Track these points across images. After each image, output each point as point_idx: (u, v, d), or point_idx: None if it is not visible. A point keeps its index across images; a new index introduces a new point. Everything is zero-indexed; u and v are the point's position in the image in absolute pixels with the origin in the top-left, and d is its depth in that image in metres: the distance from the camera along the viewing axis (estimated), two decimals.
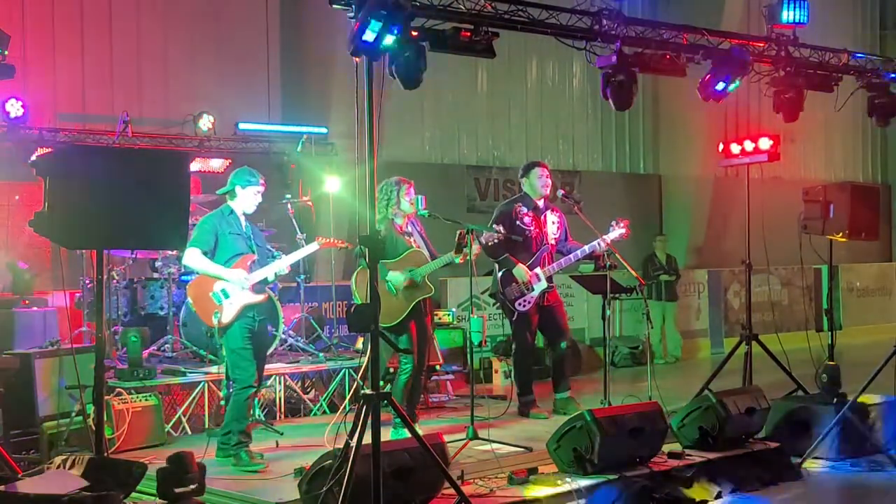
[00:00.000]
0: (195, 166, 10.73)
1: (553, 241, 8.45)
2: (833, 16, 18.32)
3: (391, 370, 8.07)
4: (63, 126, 10.69)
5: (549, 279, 8.34)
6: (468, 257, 7.12)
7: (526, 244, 8.30)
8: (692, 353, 14.23)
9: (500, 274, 8.33)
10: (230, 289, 6.74)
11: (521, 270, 8.20)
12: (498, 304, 8.68)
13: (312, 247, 7.37)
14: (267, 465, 6.63)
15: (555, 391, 8.54)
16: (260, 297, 6.88)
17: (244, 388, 6.72)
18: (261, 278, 6.87)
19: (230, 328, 6.74)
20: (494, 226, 7.60)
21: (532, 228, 8.35)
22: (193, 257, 6.75)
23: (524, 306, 8.28)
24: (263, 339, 7.20)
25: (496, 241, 7.62)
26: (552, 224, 8.48)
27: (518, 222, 8.31)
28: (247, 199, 6.88)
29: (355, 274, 7.41)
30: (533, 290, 8.25)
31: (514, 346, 8.54)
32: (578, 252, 8.32)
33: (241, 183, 6.87)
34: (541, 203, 8.46)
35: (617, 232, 8.21)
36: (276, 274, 6.99)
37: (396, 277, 7.33)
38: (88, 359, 6.34)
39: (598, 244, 8.17)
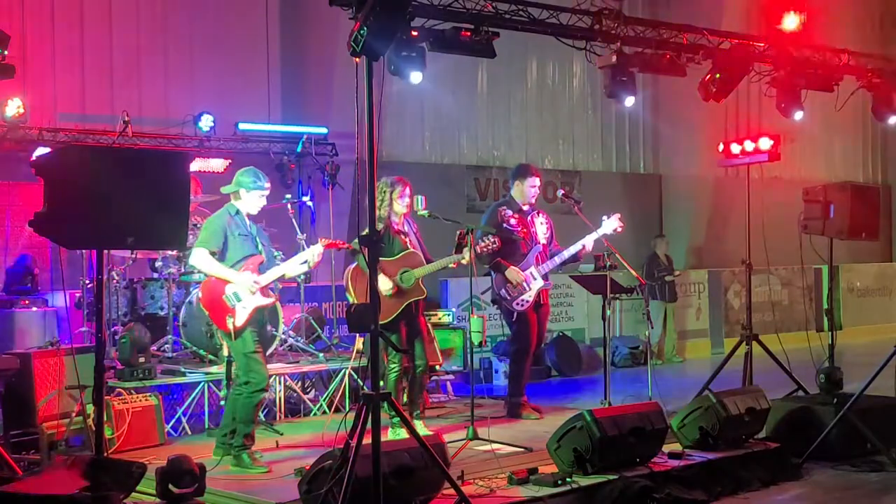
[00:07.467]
0: (195, 166, 10.72)
1: (544, 241, 8.41)
2: (833, 16, 18.34)
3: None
4: (63, 126, 10.69)
5: (545, 277, 8.32)
6: (471, 257, 7.11)
7: (515, 246, 8.25)
8: (692, 353, 14.23)
9: (493, 277, 8.32)
10: (241, 291, 6.65)
11: (513, 272, 8.17)
12: (498, 308, 8.64)
13: (316, 248, 7.29)
14: (268, 467, 6.62)
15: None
16: (271, 300, 6.85)
17: (257, 390, 6.62)
18: (270, 280, 6.80)
19: (243, 332, 6.62)
20: (489, 236, 7.51)
21: (520, 229, 8.31)
22: (202, 258, 6.64)
23: (522, 306, 8.26)
24: (266, 340, 7.18)
25: (492, 250, 7.56)
26: (541, 225, 8.44)
27: (505, 225, 8.27)
28: (251, 201, 6.80)
29: (350, 271, 7.38)
30: (530, 289, 8.24)
31: (514, 348, 8.54)
32: (571, 248, 8.25)
33: (247, 186, 6.78)
34: (526, 207, 8.44)
35: (609, 225, 8.14)
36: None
37: (384, 283, 7.16)
38: (88, 359, 6.33)
39: (590, 239, 8.14)
